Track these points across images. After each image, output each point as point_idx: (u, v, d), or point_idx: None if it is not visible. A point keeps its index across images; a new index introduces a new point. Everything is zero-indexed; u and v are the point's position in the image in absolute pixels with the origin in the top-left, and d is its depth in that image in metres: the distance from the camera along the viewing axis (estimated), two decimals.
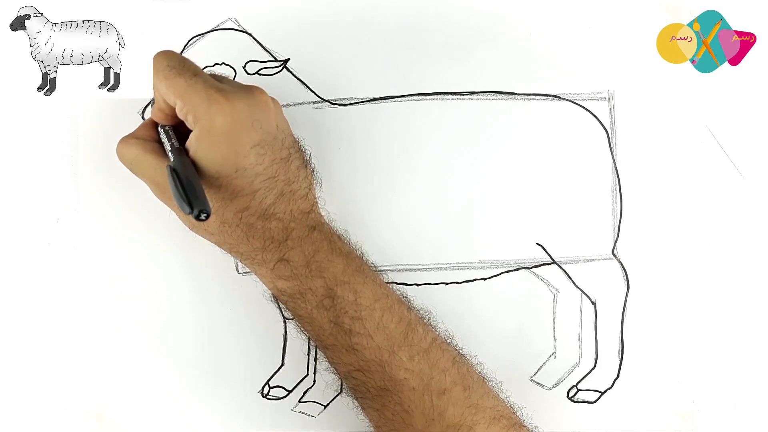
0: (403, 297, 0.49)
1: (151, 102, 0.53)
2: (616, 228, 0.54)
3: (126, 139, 0.48)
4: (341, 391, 0.54)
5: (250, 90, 0.46)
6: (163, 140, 0.48)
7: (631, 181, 0.54)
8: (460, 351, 0.49)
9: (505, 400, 0.49)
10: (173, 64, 0.45)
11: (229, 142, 0.44)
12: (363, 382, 0.47)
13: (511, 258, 0.54)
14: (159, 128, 0.49)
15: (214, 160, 0.45)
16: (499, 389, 0.49)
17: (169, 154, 0.46)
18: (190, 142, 0.45)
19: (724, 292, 0.54)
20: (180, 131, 0.48)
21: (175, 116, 0.47)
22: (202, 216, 0.41)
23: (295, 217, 0.46)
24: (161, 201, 0.49)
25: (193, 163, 0.45)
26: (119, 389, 0.53)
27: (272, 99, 0.47)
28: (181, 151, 0.46)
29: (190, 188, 0.42)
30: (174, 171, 0.43)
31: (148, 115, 0.53)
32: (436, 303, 0.50)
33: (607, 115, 0.55)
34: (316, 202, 0.49)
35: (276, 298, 0.49)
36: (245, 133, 0.45)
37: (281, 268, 0.46)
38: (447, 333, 0.50)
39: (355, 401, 0.49)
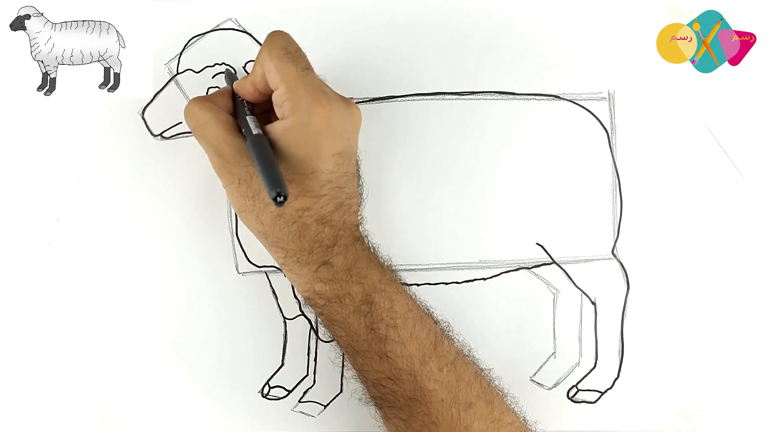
0: (429, 309, 0.49)
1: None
2: (616, 228, 0.54)
3: (201, 101, 0.47)
4: (341, 391, 0.54)
5: (347, 101, 0.46)
6: (241, 115, 0.47)
7: (631, 181, 0.54)
8: (480, 365, 0.49)
9: (519, 414, 0.49)
10: (290, 49, 0.45)
11: (317, 143, 0.45)
12: (392, 390, 0.47)
13: (511, 258, 0.54)
14: (239, 101, 0.48)
15: (297, 155, 0.45)
16: (515, 404, 0.49)
17: (253, 129, 0.45)
18: (277, 129, 0.45)
19: (724, 292, 0.54)
20: (253, 111, 0.47)
21: (262, 96, 0.47)
22: (280, 199, 0.41)
23: (345, 226, 0.47)
24: (217, 172, 0.47)
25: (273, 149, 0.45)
26: (120, 389, 0.53)
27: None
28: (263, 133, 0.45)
29: (274, 169, 0.42)
30: (261, 148, 0.43)
31: (148, 114, 0.53)
32: (436, 303, 0.50)
33: (607, 115, 0.55)
34: (361, 219, 0.49)
35: (307, 301, 0.49)
36: (333, 140, 0.45)
37: (324, 271, 0.46)
38: (467, 346, 0.50)
39: (378, 410, 0.49)
